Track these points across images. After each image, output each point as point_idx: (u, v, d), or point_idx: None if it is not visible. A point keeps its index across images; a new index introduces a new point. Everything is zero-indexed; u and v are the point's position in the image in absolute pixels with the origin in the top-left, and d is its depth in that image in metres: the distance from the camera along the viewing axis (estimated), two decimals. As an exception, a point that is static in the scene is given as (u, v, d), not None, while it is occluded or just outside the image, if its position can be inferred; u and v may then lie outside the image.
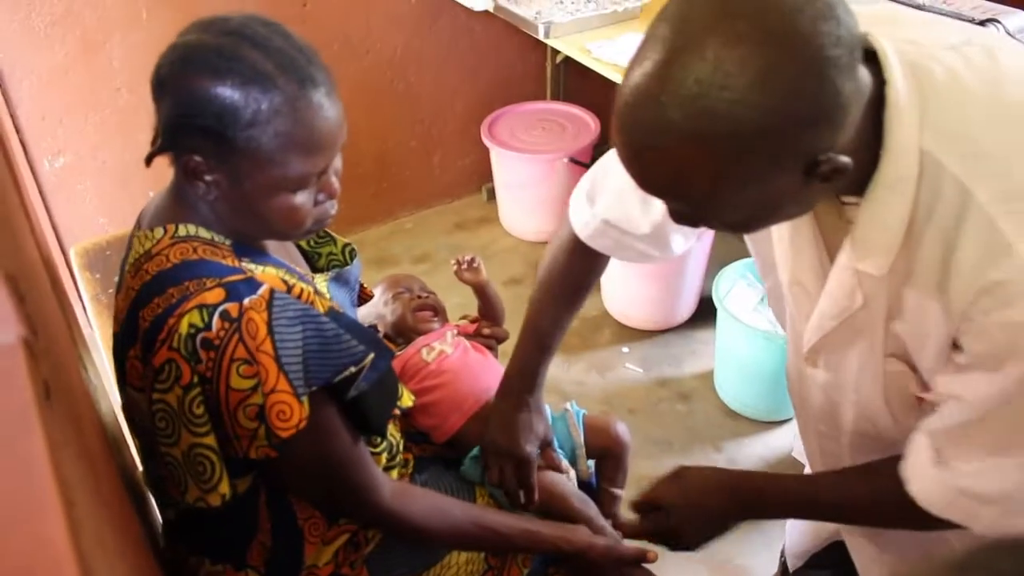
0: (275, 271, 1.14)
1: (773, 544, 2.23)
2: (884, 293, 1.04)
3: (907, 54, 0.94)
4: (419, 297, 1.67)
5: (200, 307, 1.03)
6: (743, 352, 2.47)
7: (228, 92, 1.01)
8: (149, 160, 1.09)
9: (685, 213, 1.00)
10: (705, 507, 1.29)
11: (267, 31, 1.06)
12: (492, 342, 1.68)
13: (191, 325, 1.03)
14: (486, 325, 1.68)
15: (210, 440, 1.06)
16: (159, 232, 1.12)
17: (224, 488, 1.09)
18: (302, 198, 1.10)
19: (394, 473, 1.35)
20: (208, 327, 1.02)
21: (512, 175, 3.21)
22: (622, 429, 1.62)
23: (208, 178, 1.07)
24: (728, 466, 2.44)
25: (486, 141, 3.15)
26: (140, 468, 1.27)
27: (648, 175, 0.93)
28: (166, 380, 1.05)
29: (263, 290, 1.06)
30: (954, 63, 0.94)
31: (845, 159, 0.88)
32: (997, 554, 0.48)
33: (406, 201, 3.45)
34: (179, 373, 1.04)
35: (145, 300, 1.07)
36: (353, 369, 1.12)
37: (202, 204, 1.12)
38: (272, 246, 1.22)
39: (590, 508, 1.49)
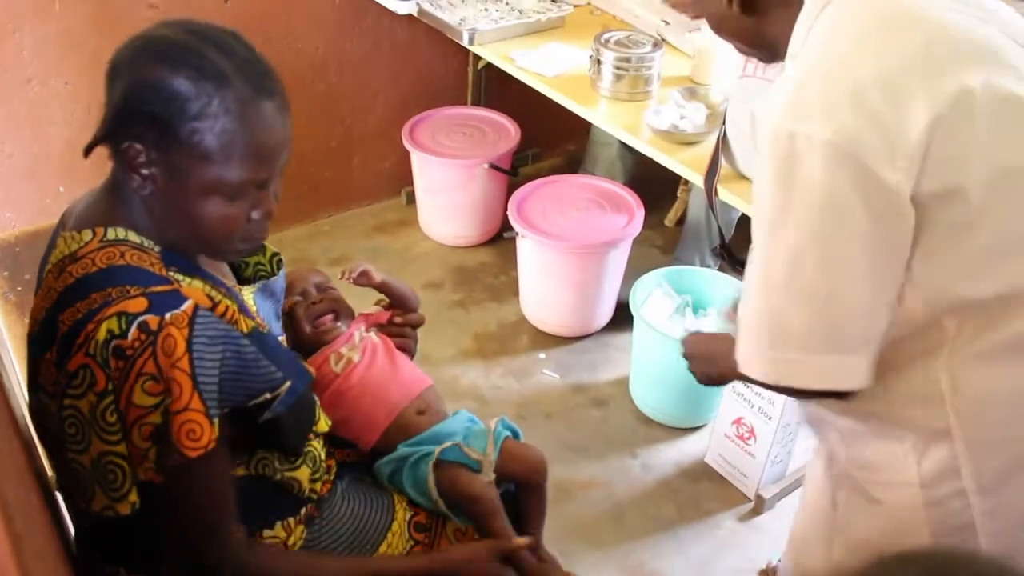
0: (201, 285, 1.12)
1: (685, 549, 2.28)
2: None
3: None
4: (313, 304, 1.57)
5: (120, 314, 1.02)
6: (658, 360, 2.51)
7: (181, 82, 1.02)
8: (88, 150, 1.07)
9: None
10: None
11: (231, 38, 1.07)
12: (407, 329, 1.65)
13: (108, 331, 1.01)
14: (399, 314, 1.66)
15: (121, 448, 1.05)
16: (87, 235, 1.10)
17: (134, 497, 1.07)
18: (236, 208, 1.09)
19: (317, 485, 1.35)
20: (124, 336, 1.01)
21: (433, 179, 3.21)
22: (539, 457, 1.60)
23: (145, 171, 1.06)
24: (643, 472, 2.48)
25: (407, 145, 3.14)
26: (51, 473, 1.24)
27: None
28: (79, 386, 1.03)
29: (187, 305, 1.04)
30: None
31: None
32: (900, 567, 0.50)
33: (325, 203, 3.41)
34: (94, 380, 1.02)
35: (66, 304, 1.05)
36: (268, 395, 1.12)
37: (135, 203, 1.11)
38: (201, 256, 1.20)
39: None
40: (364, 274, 1.60)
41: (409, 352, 1.65)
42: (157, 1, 2.66)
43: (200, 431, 1.04)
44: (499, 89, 3.37)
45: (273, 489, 1.28)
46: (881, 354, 1.14)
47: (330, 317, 1.57)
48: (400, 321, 1.64)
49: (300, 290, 1.57)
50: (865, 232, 1.04)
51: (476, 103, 3.44)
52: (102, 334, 1.01)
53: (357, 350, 1.56)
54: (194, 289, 1.09)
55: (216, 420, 1.05)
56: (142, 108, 1.03)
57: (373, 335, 1.60)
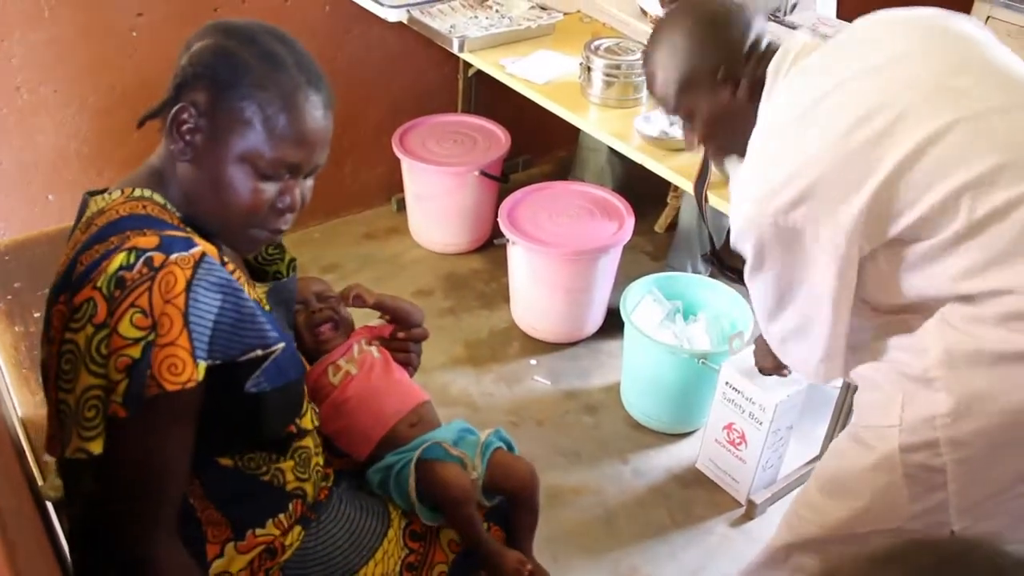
0: (213, 247, 1.14)
1: (677, 554, 2.28)
2: None
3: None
4: (313, 313, 1.56)
5: (131, 249, 1.05)
6: (649, 366, 2.52)
7: (245, 54, 1.12)
8: (143, 121, 1.15)
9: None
10: None
11: (291, 39, 1.18)
12: (409, 344, 1.65)
13: (119, 264, 1.04)
14: (400, 329, 1.65)
15: (103, 381, 1.05)
16: (116, 194, 1.16)
17: (104, 434, 1.06)
18: (265, 187, 1.15)
19: (308, 485, 1.35)
20: (130, 268, 1.04)
21: (423, 186, 3.21)
22: (529, 471, 1.58)
23: (189, 136, 1.12)
24: (634, 478, 2.48)
25: (397, 152, 3.15)
26: (40, 481, 1.23)
27: None
28: (80, 319, 1.04)
29: (195, 250, 1.08)
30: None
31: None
32: (918, 548, 0.52)
33: (315, 210, 3.40)
34: (95, 311, 1.04)
35: (87, 247, 1.09)
36: (260, 352, 1.13)
37: (170, 178, 1.17)
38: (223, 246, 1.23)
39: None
40: (357, 297, 1.59)
41: (412, 366, 1.65)
42: (145, 9, 2.66)
43: (182, 367, 1.04)
44: (489, 96, 3.38)
45: (260, 486, 1.28)
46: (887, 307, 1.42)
47: (329, 327, 1.57)
48: (402, 336, 1.64)
49: (301, 299, 1.56)
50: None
51: (466, 110, 3.44)
52: (112, 267, 1.04)
53: (355, 363, 1.55)
54: (208, 244, 1.12)
55: (201, 364, 1.06)
56: (205, 71, 1.11)
57: (374, 349, 1.60)
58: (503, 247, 2.88)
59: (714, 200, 2.07)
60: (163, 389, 1.04)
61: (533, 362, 2.88)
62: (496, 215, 2.84)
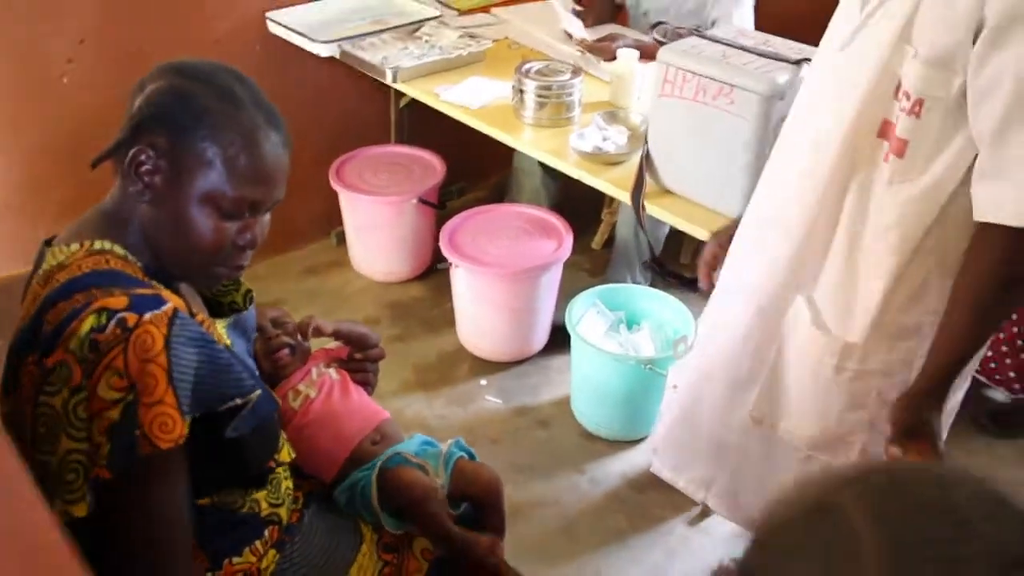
0: (178, 299, 1.15)
1: (637, 557, 2.33)
2: None
3: None
4: (269, 339, 1.57)
5: (101, 310, 1.04)
6: (597, 376, 2.58)
7: (204, 95, 1.12)
8: (96, 163, 1.15)
9: None
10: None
11: (246, 78, 1.20)
12: (366, 364, 1.67)
13: (89, 327, 1.03)
14: (357, 351, 1.67)
15: (86, 445, 1.04)
16: (75, 246, 1.15)
17: (89, 497, 1.05)
18: (226, 226, 1.16)
19: (282, 511, 1.37)
20: (102, 330, 1.03)
21: (363, 217, 3.25)
22: (492, 476, 1.63)
23: (147, 178, 1.12)
24: (591, 487, 2.53)
25: (335, 185, 3.18)
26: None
27: None
28: (55, 382, 1.04)
29: (167, 307, 1.07)
30: None
31: None
32: (850, 484, 0.54)
33: (259, 248, 3.41)
34: (70, 374, 1.03)
35: (50, 305, 1.08)
36: (239, 401, 1.14)
37: (127, 220, 1.17)
38: (180, 285, 1.24)
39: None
40: (316, 329, 1.60)
41: (370, 386, 1.68)
42: (75, 55, 2.67)
43: (172, 424, 1.04)
44: (421, 126, 3.43)
45: (237, 518, 1.29)
46: None
47: (286, 352, 1.57)
48: (360, 357, 1.66)
49: (257, 326, 1.56)
50: None
51: (400, 141, 3.49)
52: (84, 329, 1.03)
53: (314, 386, 1.57)
54: (175, 297, 1.13)
55: (187, 419, 1.06)
56: (163, 113, 1.12)
57: (332, 371, 1.62)
58: (444, 273, 2.92)
59: (651, 208, 2.15)
60: (157, 448, 1.04)
61: (483, 382, 2.92)
62: (435, 242, 2.89)
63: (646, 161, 2.18)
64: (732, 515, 2.14)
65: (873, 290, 1.55)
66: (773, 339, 1.74)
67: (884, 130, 1.45)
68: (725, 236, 1.85)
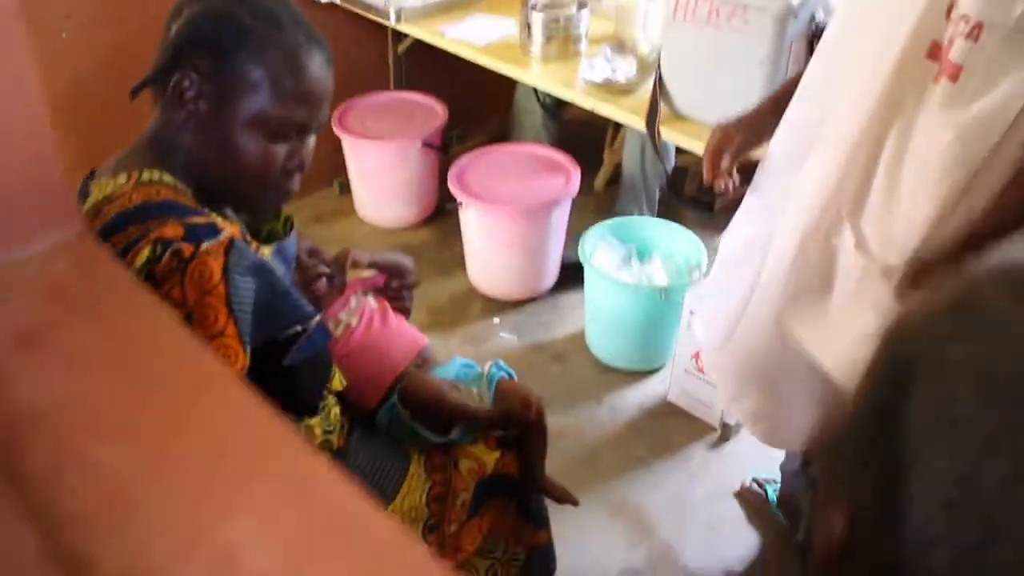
0: (233, 225, 1.15)
1: (660, 482, 2.37)
2: None
3: None
4: (308, 269, 1.57)
5: (157, 240, 1.02)
6: (612, 307, 2.61)
7: (245, 16, 1.09)
8: (135, 91, 1.12)
9: None
10: None
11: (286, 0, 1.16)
12: (403, 292, 1.69)
13: (146, 259, 1.01)
14: (393, 279, 1.68)
15: None
16: (122, 178, 1.12)
17: None
18: (274, 149, 1.14)
19: (332, 436, 1.39)
20: (157, 260, 1.01)
21: (367, 163, 3.25)
22: (534, 393, 1.64)
23: (192, 105, 1.10)
24: (610, 416, 2.57)
25: (338, 132, 3.17)
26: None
27: None
28: None
29: (223, 236, 1.05)
30: None
31: None
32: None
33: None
34: None
35: (104, 237, 1.06)
36: (299, 328, 1.13)
37: (173, 147, 1.14)
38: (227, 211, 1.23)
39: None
40: (354, 261, 1.60)
41: (405, 313, 1.70)
42: (73, 10, 2.64)
43: (235, 355, 1.04)
44: (421, 72, 3.42)
45: None
46: None
47: (324, 283, 1.58)
48: (396, 285, 1.68)
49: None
50: None
51: (399, 87, 3.48)
52: (140, 260, 1.01)
53: (354, 315, 1.58)
54: (230, 223, 1.12)
55: (248, 349, 1.06)
56: (205, 36, 1.09)
57: (371, 300, 1.63)
58: (451, 216, 2.93)
59: (666, 134, 2.17)
60: None
61: (496, 320, 2.95)
62: (439, 185, 2.89)
63: (659, 87, 2.19)
64: (770, 439, 2.13)
65: (916, 216, 1.55)
66: (817, 261, 1.73)
67: (933, 51, 1.44)
68: (734, 128, 1.80)
